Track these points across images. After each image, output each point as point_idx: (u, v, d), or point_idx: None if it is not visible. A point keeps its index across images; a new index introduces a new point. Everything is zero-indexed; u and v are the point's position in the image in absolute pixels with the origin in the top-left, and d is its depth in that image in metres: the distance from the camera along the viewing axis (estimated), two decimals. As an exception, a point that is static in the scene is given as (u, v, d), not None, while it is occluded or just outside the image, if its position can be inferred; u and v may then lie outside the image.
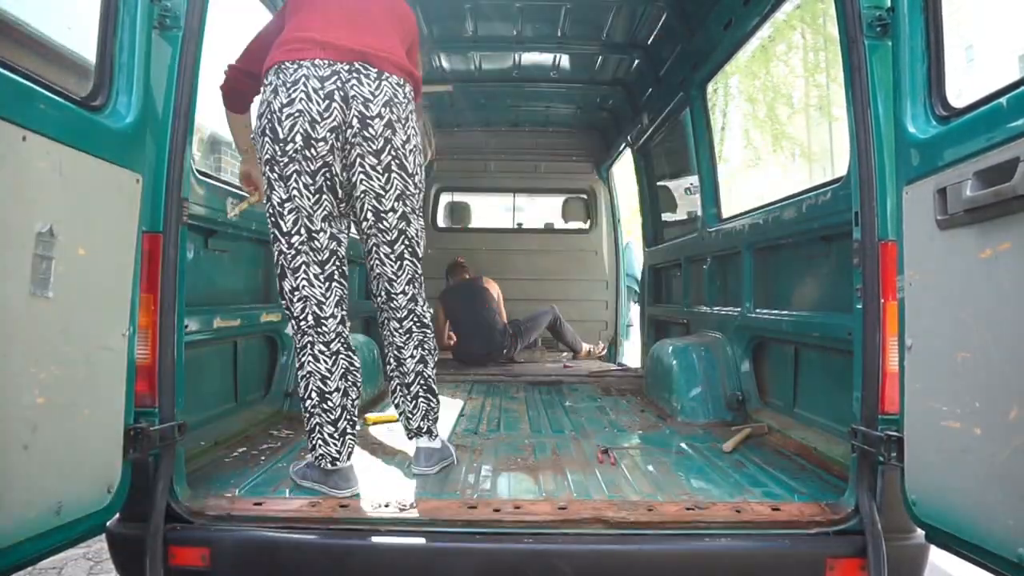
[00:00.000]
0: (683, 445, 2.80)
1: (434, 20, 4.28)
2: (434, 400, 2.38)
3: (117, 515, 1.83)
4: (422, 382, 2.34)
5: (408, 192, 2.14)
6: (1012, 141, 1.39)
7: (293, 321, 2.16)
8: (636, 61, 4.69)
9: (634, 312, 6.58)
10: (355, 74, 2.03)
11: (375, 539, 1.89)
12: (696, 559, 1.89)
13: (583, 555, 1.87)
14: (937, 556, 1.85)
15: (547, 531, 1.90)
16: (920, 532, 1.76)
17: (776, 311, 3.04)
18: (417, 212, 2.21)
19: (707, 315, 3.79)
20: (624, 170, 6.49)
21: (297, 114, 2.00)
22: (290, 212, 2.08)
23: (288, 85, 2.01)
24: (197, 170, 2.37)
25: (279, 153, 2.03)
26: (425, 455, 2.35)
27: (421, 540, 1.89)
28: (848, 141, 2.04)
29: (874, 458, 1.85)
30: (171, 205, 1.92)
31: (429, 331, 2.34)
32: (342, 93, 2.02)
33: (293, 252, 2.11)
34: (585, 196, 6.67)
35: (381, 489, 2.15)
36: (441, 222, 6.73)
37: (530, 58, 4.87)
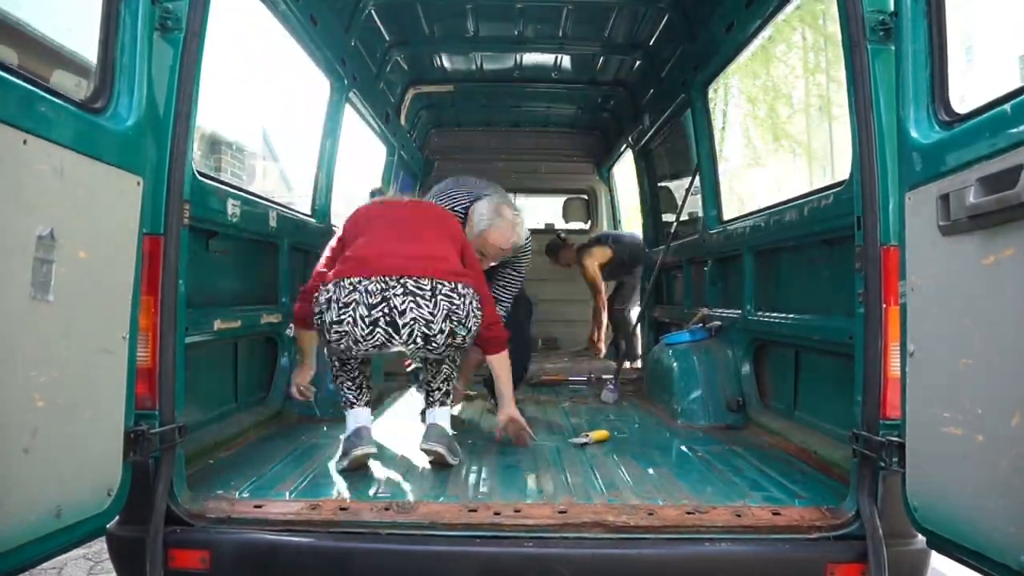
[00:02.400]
0: (683, 448, 2.80)
1: (435, 20, 4.28)
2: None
3: (117, 517, 1.83)
4: None
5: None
6: (1015, 148, 1.38)
7: None
8: (637, 62, 4.69)
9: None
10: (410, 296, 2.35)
11: (375, 542, 1.89)
12: (696, 563, 1.88)
13: (583, 559, 1.87)
14: (938, 561, 1.85)
15: (547, 535, 1.90)
16: (921, 538, 1.76)
17: (777, 314, 3.03)
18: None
19: (709, 317, 3.79)
20: (624, 170, 6.48)
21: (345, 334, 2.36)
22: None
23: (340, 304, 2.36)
24: (198, 171, 2.36)
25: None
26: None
27: (421, 543, 1.89)
28: (850, 145, 2.04)
29: (875, 463, 1.85)
30: (172, 207, 1.91)
31: None
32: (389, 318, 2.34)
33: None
34: (586, 196, 6.66)
35: (381, 492, 2.15)
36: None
37: (531, 58, 4.86)
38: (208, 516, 1.92)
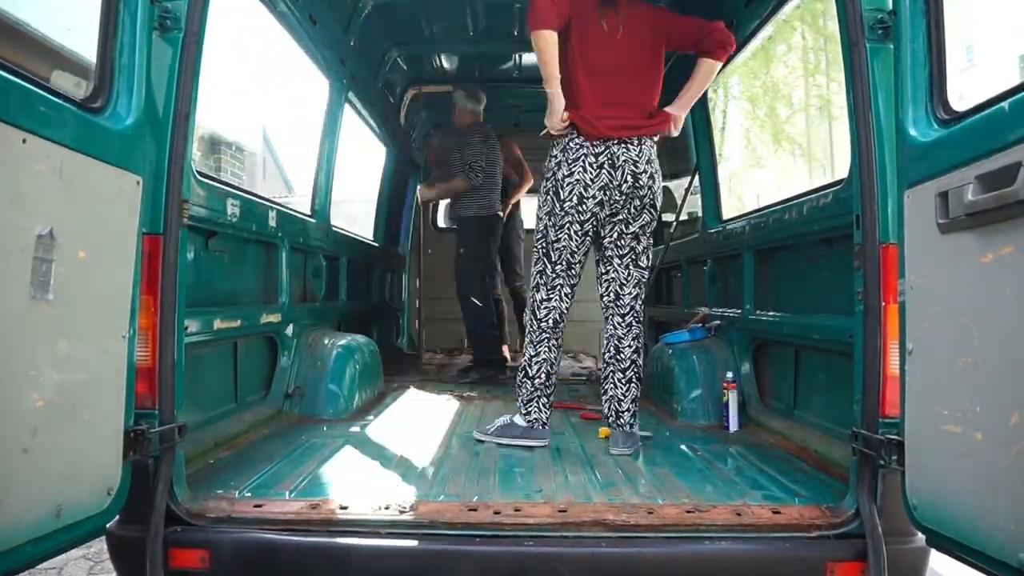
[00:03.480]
0: (683, 447, 2.80)
1: (435, 20, 4.28)
2: (639, 389, 2.79)
3: (117, 517, 1.83)
4: (636, 369, 2.78)
5: (650, 221, 2.75)
6: (1014, 146, 1.38)
7: (535, 321, 2.82)
8: (637, 62, 4.68)
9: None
10: (622, 145, 2.65)
11: (375, 541, 1.89)
12: (696, 562, 1.88)
13: (583, 558, 1.87)
14: (937, 560, 1.85)
15: (547, 534, 1.90)
16: (920, 536, 1.76)
17: (777, 313, 3.03)
18: (648, 233, 2.77)
19: (709, 317, 3.79)
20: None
21: (576, 182, 2.67)
22: (556, 250, 2.75)
23: (570, 161, 2.68)
24: (197, 171, 2.37)
25: (559, 208, 2.70)
26: (623, 438, 2.72)
27: (421, 542, 1.89)
28: (849, 143, 2.04)
29: (875, 461, 1.85)
30: (171, 207, 1.91)
31: (643, 328, 2.85)
32: (611, 161, 2.65)
33: (554, 275, 2.78)
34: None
35: (381, 491, 2.15)
36: (441, 222, 6.74)
37: (531, 58, 4.86)
38: (208, 515, 1.92)
